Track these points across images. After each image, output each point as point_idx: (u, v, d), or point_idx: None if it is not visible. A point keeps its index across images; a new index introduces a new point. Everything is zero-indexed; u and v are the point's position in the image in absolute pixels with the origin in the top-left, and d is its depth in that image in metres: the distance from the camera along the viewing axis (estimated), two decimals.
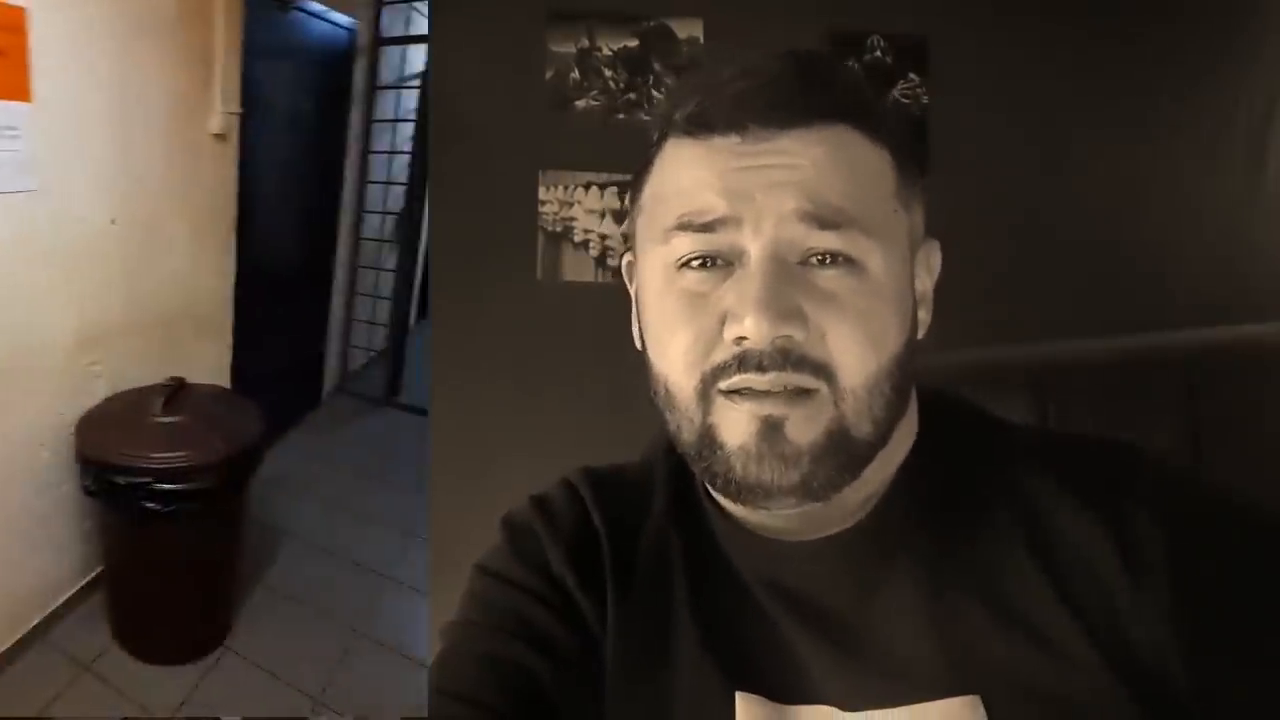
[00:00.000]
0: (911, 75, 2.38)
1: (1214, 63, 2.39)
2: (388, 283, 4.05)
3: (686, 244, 0.73)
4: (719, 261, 0.72)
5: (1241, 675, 0.69)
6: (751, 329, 0.69)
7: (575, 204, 2.34)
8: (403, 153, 3.96)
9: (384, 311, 4.03)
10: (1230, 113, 2.41)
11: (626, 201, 0.87)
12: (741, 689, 0.76)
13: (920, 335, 0.79)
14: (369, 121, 3.84)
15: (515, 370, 2.33)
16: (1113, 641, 0.71)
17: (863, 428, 0.71)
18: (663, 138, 0.77)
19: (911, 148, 0.78)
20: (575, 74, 2.34)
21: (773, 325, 0.68)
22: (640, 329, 0.80)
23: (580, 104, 2.35)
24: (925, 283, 0.80)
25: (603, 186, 2.32)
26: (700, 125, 0.74)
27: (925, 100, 2.39)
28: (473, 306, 2.34)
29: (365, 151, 3.86)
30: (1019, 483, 0.77)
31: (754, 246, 0.71)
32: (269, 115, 2.92)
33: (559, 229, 2.35)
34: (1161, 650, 0.70)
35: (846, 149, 0.72)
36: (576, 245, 2.34)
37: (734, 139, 0.72)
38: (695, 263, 0.73)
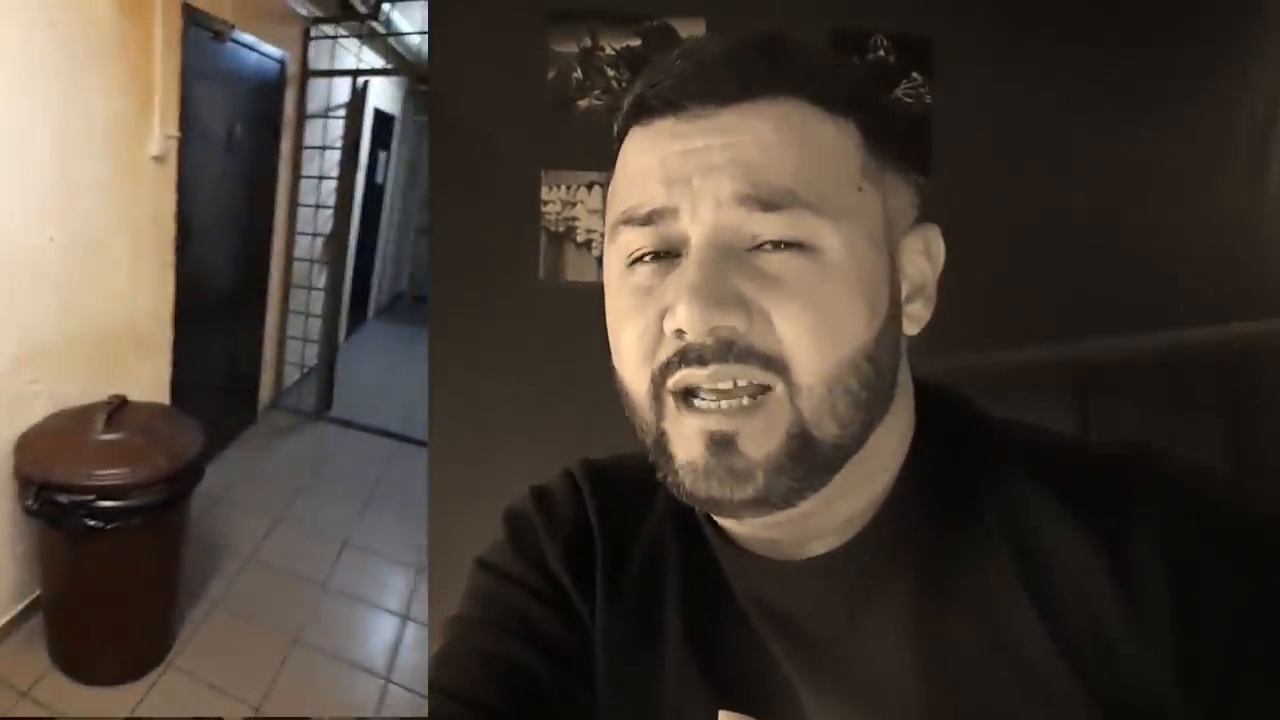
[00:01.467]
0: (915, 74, 2.26)
1: (1217, 65, 2.30)
2: (318, 301, 3.90)
3: (632, 239, 0.65)
4: (669, 254, 0.63)
5: (1246, 714, 0.60)
6: (684, 319, 0.59)
7: (578, 204, 2.20)
8: (330, 178, 3.83)
9: (315, 329, 3.87)
10: (1233, 115, 2.32)
11: None
12: (726, 706, 0.67)
13: (914, 330, 0.68)
14: (299, 148, 3.70)
15: (516, 371, 2.18)
16: (1103, 675, 0.61)
17: (826, 430, 0.61)
18: (621, 134, 0.69)
19: (886, 120, 0.68)
20: (577, 73, 2.20)
21: (706, 314, 0.59)
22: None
23: (583, 104, 2.21)
24: (923, 270, 0.69)
25: (605, 186, 2.23)
26: (642, 110, 0.65)
27: (928, 100, 2.27)
28: (474, 307, 2.19)
29: (296, 176, 3.72)
30: (1015, 499, 0.66)
31: (695, 234, 0.62)
32: (206, 140, 2.79)
33: (561, 229, 2.21)
34: (1157, 687, 0.61)
35: (798, 124, 0.63)
36: (579, 245, 2.21)
37: (670, 120, 0.63)
38: (647, 257, 0.64)
